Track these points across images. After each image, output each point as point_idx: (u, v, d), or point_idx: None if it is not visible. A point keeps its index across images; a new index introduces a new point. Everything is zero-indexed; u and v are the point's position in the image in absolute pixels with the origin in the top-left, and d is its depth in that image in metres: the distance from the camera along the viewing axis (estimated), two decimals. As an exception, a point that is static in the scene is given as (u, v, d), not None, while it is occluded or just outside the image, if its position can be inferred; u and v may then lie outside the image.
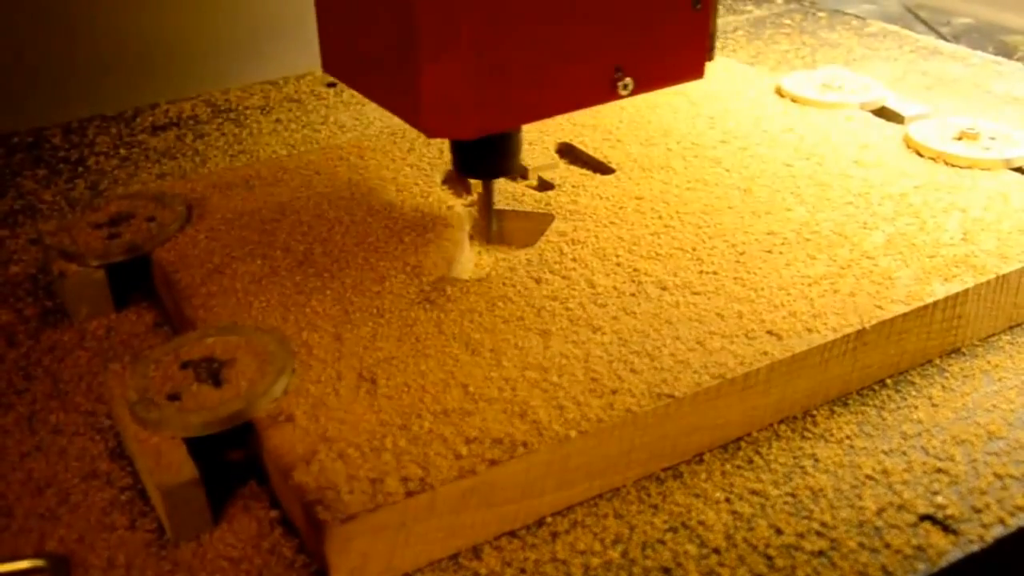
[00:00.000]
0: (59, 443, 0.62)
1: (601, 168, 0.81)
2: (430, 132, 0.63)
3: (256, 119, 1.06)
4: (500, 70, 0.62)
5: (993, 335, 0.69)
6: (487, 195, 0.73)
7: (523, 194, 0.78)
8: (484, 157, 0.70)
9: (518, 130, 0.70)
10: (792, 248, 0.69)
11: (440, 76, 0.61)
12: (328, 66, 0.72)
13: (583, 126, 0.88)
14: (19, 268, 0.81)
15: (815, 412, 0.63)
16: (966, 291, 0.65)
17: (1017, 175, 0.79)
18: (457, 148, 0.71)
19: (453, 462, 0.53)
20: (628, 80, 0.66)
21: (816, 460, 0.59)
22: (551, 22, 0.63)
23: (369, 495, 0.51)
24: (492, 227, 0.74)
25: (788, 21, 1.31)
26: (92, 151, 1.01)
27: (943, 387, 0.64)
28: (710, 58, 0.72)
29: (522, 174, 0.80)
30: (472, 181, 0.78)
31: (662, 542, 0.54)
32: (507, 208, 0.76)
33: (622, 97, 0.67)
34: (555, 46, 0.63)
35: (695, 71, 0.70)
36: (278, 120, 1.05)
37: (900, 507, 0.55)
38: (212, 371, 0.59)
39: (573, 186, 0.78)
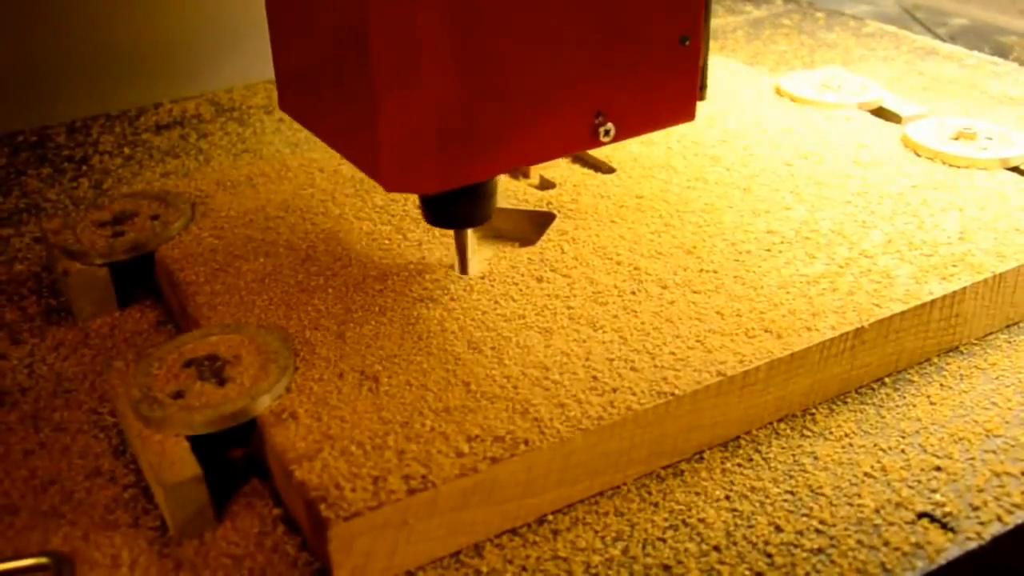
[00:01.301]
0: (63, 441, 0.62)
1: (602, 167, 0.82)
2: (389, 186, 0.58)
3: (259, 118, 1.06)
4: (465, 119, 0.57)
5: (991, 334, 0.69)
6: (460, 245, 0.68)
7: (524, 193, 0.78)
8: (452, 208, 0.65)
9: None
10: (791, 247, 0.70)
11: (399, 125, 0.56)
12: (285, 105, 0.68)
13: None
14: (23, 266, 0.81)
15: (814, 410, 0.63)
16: (964, 290, 0.66)
17: (1014, 175, 0.79)
18: (421, 197, 0.66)
19: (455, 460, 0.53)
20: (610, 126, 0.61)
21: (815, 458, 0.59)
22: (523, 63, 0.58)
23: (371, 493, 0.51)
24: (469, 272, 0.68)
25: (787, 21, 1.32)
26: (96, 150, 1.01)
27: (941, 385, 0.65)
28: (701, 97, 0.65)
29: (524, 173, 0.81)
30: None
31: (663, 540, 0.54)
32: (509, 207, 0.76)
33: (604, 144, 0.62)
34: (528, 90, 0.58)
35: (685, 114, 0.65)
36: (281, 119, 1.06)
37: (898, 505, 0.56)
38: (215, 369, 0.59)
39: (574, 185, 0.78)
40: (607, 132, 0.62)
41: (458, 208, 0.64)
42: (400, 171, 0.58)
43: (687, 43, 0.62)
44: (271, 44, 0.67)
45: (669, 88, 0.63)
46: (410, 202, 0.77)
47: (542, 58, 0.58)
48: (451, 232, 0.72)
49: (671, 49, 0.62)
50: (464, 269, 0.68)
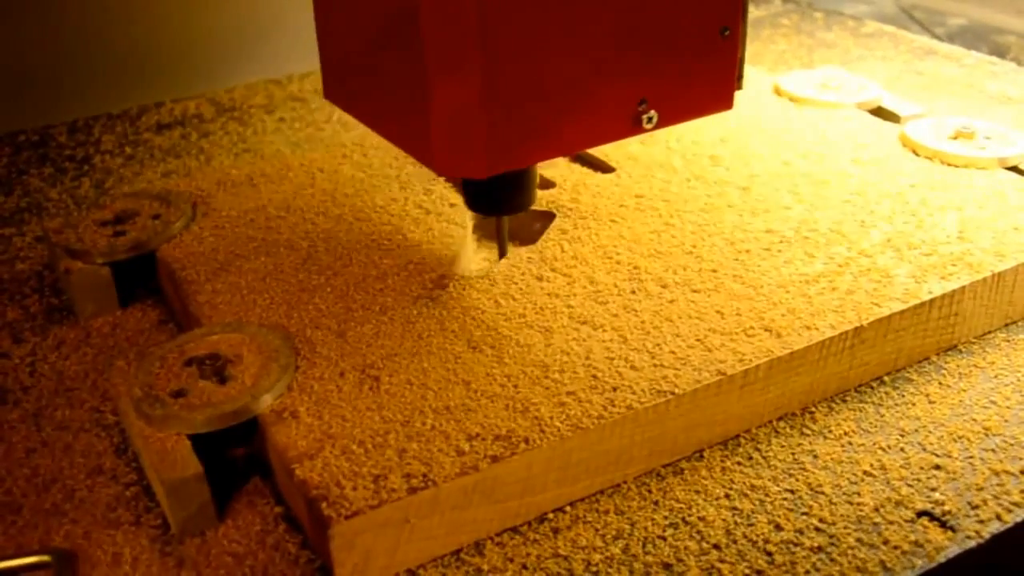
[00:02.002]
0: (65, 439, 0.62)
1: (601, 166, 0.82)
2: (441, 170, 0.60)
3: (260, 117, 1.06)
4: (516, 106, 0.59)
5: (989, 332, 0.69)
6: (501, 231, 0.70)
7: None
8: (499, 194, 0.67)
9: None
10: (791, 246, 0.70)
11: (451, 111, 0.58)
12: (330, 94, 0.69)
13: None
14: (25, 265, 0.81)
15: (814, 409, 0.63)
16: (962, 289, 0.66)
17: (1012, 174, 0.79)
18: (468, 184, 0.68)
19: (455, 458, 0.53)
20: (653, 113, 0.63)
21: (815, 456, 0.59)
22: (571, 53, 0.59)
23: (372, 491, 0.51)
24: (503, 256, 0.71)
25: (785, 21, 1.32)
26: (98, 149, 1.01)
27: (940, 384, 0.65)
28: (739, 87, 0.67)
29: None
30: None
31: (663, 538, 0.54)
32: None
33: (646, 131, 0.64)
34: (575, 78, 0.60)
35: (723, 102, 0.66)
36: (282, 119, 1.06)
37: (898, 503, 0.56)
38: (216, 368, 0.59)
39: (574, 184, 0.78)
40: (650, 119, 0.63)
41: (502, 195, 0.66)
42: (451, 155, 0.59)
43: (727, 34, 0.64)
44: (317, 33, 0.68)
45: (709, 77, 0.65)
46: (410, 202, 0.77)
47: (589, 45, 0.60)
48: (449, 232, 0.73)
49: (712, 40, 0.64)
50: (503, 253, 0.70)
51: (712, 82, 0.65)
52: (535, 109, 0.59)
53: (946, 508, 0.55)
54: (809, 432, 0.61)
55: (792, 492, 0.57)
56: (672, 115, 0.64)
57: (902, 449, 0.60)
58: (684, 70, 0.63)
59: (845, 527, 0.54)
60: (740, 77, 0.68)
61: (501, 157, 0.60)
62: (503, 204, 0.67)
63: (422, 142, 0.59)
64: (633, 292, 0.66)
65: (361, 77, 0.65)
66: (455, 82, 0.57)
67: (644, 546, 0.54)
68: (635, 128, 0.63)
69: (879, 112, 0.91)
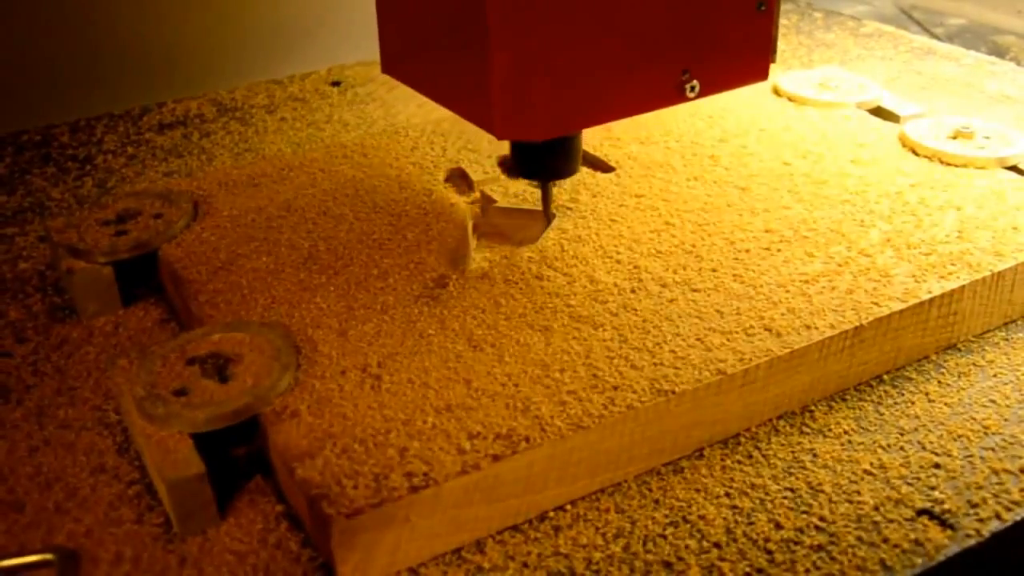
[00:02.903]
0: (67, 438, 0.62)
1: (601, 166, 0.82)
2: (501, 134, 0.63)
3: (261, 118, 1.06)
4: (571, 72, 0.62)
5: (988, 331, 0.70)
6: (546, 196, 0.73)
7: (524, 191, 0.78)
8: (548, 158, 0.71)
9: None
10: (790, 246, 0.70)
11: (511, 78, 0.61)
12: (388, 67, 0.72)
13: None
14: (28, 264, 0.81)
15: (813, 408, 0.63)
16: (962, 288, 0.66)
17: (1011, 173, 0.79)
18: (519, 149, 0.71)
19: (456, 457, 0.54)
20: (695, 82, 0.66)
21: (815, 455, 0.60)
22: (621, 23, 0.63)
23: (373, 490, 0.52)
24: (548, 227, 0.73)
25: (785, 21, 1.32)
26: (100, 149, 1.01)
27: (939, 383, 0.65)
28: (772, 60, 0.71)
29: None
30: (474, 179, 0.79)
31: (663, 536, 0.55)
32: (510, 206, 0.76)
33: (688, 100, 0.67)
34: (625, 48, 0.64)
35: (759, 73, 0.70)
36: (283, 119, 1.06)
37: (898, 502, 0.56)
38: (218, 367, 0.60)
39: (573, 184, 0.79)
40: (692, 88, 0.67)
41: (551, 160, 0.71)
42: (512, 119, 0.62)
43: (763, 9, 0.67)
44: (377, 7, 0.71)
45: (746, 49, 0.69)
46: (410, 202, 0.77)
47: (638, 15, 0.64)
48: (451, 232, 0.73)
49: (749, 14, 0.68)
50: (548, 219, 0.73)
51: (749, 54, 0.69)
52: (590, 76, 0.63)
53: (946, 507, 0.56)
54: (809, 431, 0.62)
55: (792, 491, 0.57)
56: (712, 85, 0.68)
57: (902, 448, 0.60)
58: (724, 42, 0.67)
59: (845, 526, 0.55)
60: (773, 51, 0.70)
61: (559, 120, 0.64)
62: (552, 169, 0.72)
63: (482, 107, 0.63)
64: (633, 291, 0.66)
65: (421, 48, 0.67)
66: (516, 48, 0.60)
67: (645, 544, 0.54)
68: (679, 96, 0.67)
69: (878, 112, 0.92)
